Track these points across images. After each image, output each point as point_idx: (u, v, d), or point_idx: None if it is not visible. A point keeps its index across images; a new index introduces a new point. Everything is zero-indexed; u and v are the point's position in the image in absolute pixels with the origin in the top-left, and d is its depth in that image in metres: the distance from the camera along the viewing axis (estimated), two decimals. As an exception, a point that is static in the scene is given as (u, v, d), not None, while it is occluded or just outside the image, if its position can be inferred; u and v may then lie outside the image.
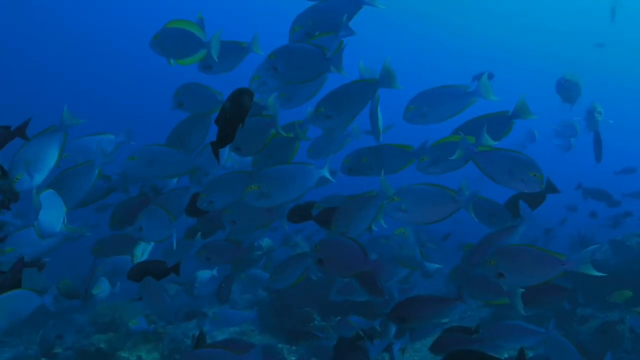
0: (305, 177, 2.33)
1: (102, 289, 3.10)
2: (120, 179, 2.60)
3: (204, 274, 3.30)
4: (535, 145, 6.51)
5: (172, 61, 2.52)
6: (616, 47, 16.61)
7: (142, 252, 2.95)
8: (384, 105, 2.57)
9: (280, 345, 4.53)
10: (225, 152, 2.65)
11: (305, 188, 2.34)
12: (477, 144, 2.27)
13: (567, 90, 3.78)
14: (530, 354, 3.96)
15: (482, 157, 2.21)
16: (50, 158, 2.06)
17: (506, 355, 3.94)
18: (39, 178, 2.03)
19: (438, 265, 2.76)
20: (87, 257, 2.84)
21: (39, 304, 2.16)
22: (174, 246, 2.53)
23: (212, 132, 2.65)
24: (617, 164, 7.21)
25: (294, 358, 4.42)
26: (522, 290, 2.28)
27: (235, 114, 2.10)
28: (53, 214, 2.19)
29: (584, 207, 6.67)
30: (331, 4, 2.40)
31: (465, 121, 2.49)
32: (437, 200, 2.23)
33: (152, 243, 2.90)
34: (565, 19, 21.72)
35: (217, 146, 2.17)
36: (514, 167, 2.16)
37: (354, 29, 2.36)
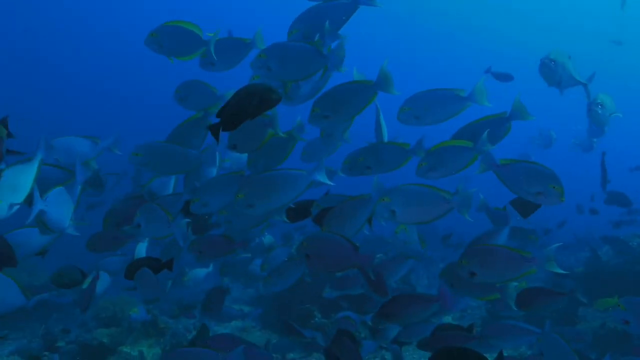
0: (295, 183, 2.32)
1: (103, 282, 3.12)
2: (91, 177, 2.59)
3: (199, 272, 3.32)
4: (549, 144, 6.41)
5: (171, 58, 2.54)
6: (631, 45, 16.41)
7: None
8: (391, 103, 2.57)
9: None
10: (220, 154, 2.66)
11: (295, 194, 2.34)
12: (480, 149, 2.32)
13: (552, 71, 3.02)
14: (528, 352, 3.98)
15: (504, 170, 2.25)
16: (25, 187, 2.09)
17: (506, 354, 3.94)
18: (15, 207, 2.06)
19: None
20: (79, 252, 2.86)
21: (20, 304, 2.18)
22: (182, 243, 2.55)
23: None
24: (631, 161, 7.17)
25: (292, 355, 4.44)
26: (516, 284, 2.34)
27: (253, 107, 2.09)
28: (62, 210, 2.27)
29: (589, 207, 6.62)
30: (328, 6, 2.38)
31: (464, 125, 2.50)
32: (428, 201, 2.25)
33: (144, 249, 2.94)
34: (580, 17, 21.52)
35: (217, 129, 2.16)
36: (534, 180, 2.20)
37: (365, 26, 2.35)
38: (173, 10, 18.95)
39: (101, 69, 22.19)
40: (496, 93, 2.49)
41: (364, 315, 3.02)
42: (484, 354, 2.31)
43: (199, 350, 2.06)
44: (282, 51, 2.29)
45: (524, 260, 2.20)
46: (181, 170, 2.69)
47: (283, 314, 4.83)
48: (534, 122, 2.65)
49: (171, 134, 2.68)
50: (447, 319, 5.03)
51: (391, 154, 2.49)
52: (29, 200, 2.13)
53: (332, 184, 2.41)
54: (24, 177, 2.09)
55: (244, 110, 2.10)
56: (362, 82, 2.35)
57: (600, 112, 3.25)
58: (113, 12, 22.11)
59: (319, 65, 2.31)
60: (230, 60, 2.64)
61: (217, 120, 2.18)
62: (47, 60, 21.93)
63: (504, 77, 5.92)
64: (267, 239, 4.85)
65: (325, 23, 2.33)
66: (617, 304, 2.26)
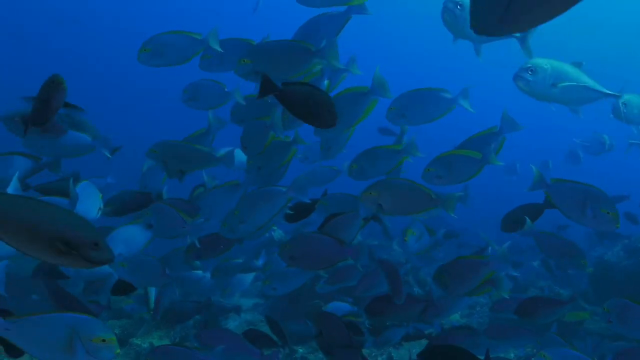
0: (274, 199, 2.37)
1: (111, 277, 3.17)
2: (51, 162, 2.60)
3: (196, 273, 3.35)
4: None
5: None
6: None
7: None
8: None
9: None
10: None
11: (275, 209, 2.39)
12: (485, 161, 2.36)
13: (454, 16, 2.32)
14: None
15: (555, 190, 2.24)
16: None
17: (512, 356, 3.95)
18: None
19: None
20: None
21: None
22: (197, 244, 2.59)
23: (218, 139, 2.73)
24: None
25: (302, 350, 4.48)
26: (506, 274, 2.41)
27: (306, 106, 2.06)
28: (89, 203, 2.37)
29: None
30: (323, 18, 2.40)
31: (461, 142, 2.55)
32: (412, 196, 2.29)
33: None
34: (615, 13, 20.95)
35: (269, 86, 2.08)
36: (586, 202, 2.13)
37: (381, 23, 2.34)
38: (179, 9, 19.01)
39: (115, 65, 22.30)
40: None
41: (355, 307, 3.07)
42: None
43: (179, 349, 2.14)
44: (266, 52, 2.27)
45: (482, 264, 2.29)
46: (196, 168, 2.73)
47: (291, 309, 4.87)
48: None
49: None
50: (455, 316, 5.04)
51: (384, 156, 2.52)
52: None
53: (307, 200, 2.43)
54: None
55: (300, 101, 2.05)
56: (359, 89, 2.37)
57: (530, 79, 2.34)
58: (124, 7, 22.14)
59: (308, 62, 2.29)
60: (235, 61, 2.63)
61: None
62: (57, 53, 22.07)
63: None
64: (277, 233, 4.88)
65: (322, 32, 2.33)
66: (588, 316, 2.30)
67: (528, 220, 2.53)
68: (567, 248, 2.56)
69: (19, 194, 1.45)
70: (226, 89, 2.71)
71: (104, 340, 1.54)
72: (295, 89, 2.05)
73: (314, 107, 2.03)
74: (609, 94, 2.51)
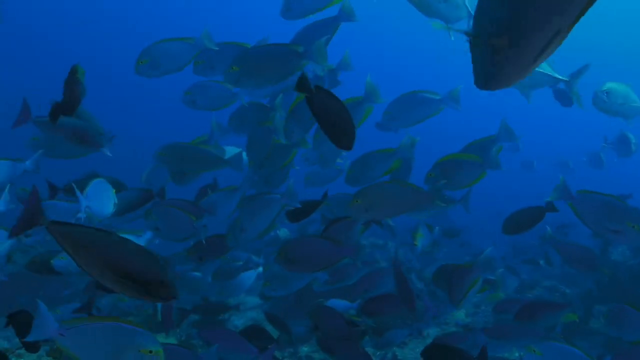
0: (271, 205, 2.41)
1: None
2: (32, 163, 2.62)
3: (196, 274, 3.37)
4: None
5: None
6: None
7: None
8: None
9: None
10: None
11: (272, 215, 2.44)
12: (488, 164, 2.39)
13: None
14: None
15: (579, 202, 2.18)
16: None
17: (517, 355, 3.95)
18: None
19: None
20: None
21: None
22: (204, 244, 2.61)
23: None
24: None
25: (306, 349, 4.49)
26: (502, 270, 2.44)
27: (328, 118, 1.99)
28: (104, 199, 2.40)
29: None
30: (314, 26, 2.42)
31: (461, 148, 2.57)
32: (399, 195, 2.29)
33: None
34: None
35: (306, 84, 1.98)
36: (611, 216, 2.09)
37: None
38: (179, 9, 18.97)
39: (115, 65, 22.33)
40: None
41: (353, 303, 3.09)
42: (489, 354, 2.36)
43: (176, 348, 2.18)
44: (253, 58, 2.28)
45: (469, 271, 2.36)
46: (204, 171, 2.77)
47: (296, 308, 4.88)
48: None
49: None
50: (460, 314, 5.04)
51: (379, 160, 2.54)
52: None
53: (298, 205, 2.45)
54: None
55: (327, 111, 1.97)
56: (353, 100, 2.39)
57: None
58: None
59: (297, 64, 2.29)
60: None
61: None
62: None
63: (564, 99, 4.89)
64: (282, 232, 4.88)
65: (314, 39, 2.33)
66: (577, 318, 2.33)
67: (548, 228, 2.54)
68: (585, 255, 2.57)
69: (95, 227, 1.55)
70: (233, 90, 2.70)
71: (151, 352, 1.58)
72: (326, 99, 1.98)
73: (337, 123, 1.98)
74: (559, 78, 2.40)
